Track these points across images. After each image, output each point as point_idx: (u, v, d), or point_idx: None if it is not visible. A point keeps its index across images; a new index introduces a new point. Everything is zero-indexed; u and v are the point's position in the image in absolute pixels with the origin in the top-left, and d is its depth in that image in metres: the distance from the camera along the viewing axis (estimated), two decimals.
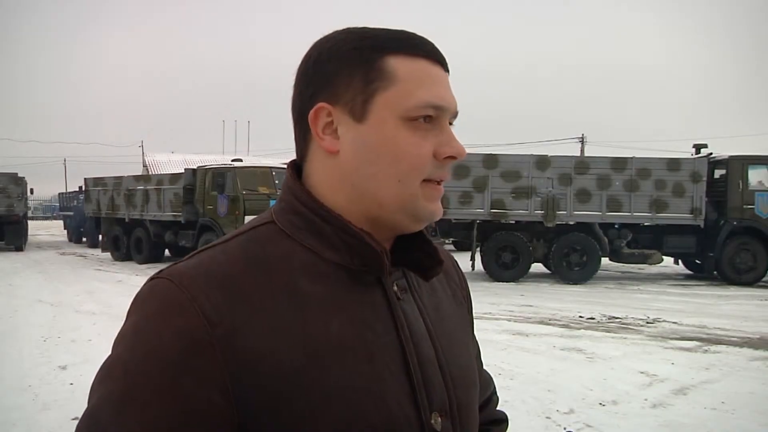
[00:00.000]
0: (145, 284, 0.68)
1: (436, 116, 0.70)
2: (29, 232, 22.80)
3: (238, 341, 0.61)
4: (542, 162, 12.25)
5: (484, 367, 0.97)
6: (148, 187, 15.69)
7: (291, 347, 0.63)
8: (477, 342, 0.95)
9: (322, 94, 0.70)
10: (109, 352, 0.66)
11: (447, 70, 0.73)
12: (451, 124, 0.73)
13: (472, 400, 0.78)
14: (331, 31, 0.74)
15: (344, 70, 0.69)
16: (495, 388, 1.00)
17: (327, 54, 0.71)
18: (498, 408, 0.99)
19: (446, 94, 0.71)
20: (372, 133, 0.68)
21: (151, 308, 0.64)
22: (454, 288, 0.87)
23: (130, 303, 0.67)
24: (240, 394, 0.61)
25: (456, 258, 0.95)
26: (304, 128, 0.72)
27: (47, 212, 55.09)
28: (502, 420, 0.98)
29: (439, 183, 0.72)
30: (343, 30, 0.72)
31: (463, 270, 0.95)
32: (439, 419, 0.70)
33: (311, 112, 0.70)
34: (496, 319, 8.14)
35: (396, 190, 0.69)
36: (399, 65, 0.69)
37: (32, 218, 34.91)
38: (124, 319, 0.67)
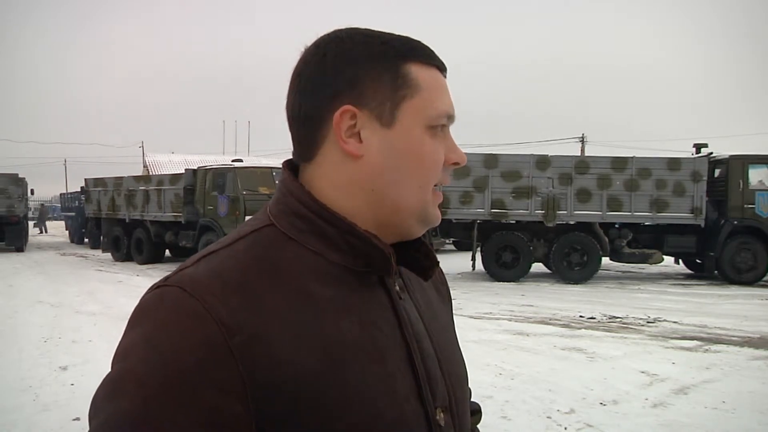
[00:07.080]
0: (149, 293, 0.64)
1: (447, 124, 0.73)
2: (29, 233, 22.81)
3: (257, 348, 0.60)
4: (542, 162, 12.25)
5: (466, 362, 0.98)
6: (149, 188, 15.68)
7: (310, 351, 0.62)
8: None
9: (346, 96, 0.68)
10: (110, 368, 0.62)
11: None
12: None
13: (465, 395, 0.80)
14: (332, 31, 0.72)
15: (371, 74, 0.69)
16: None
17: (347, 55, 0.69)
18: (475, 401, 1.00)
19: (453, 103, 0.74)
20: (399, 140, 0.69)
21: (162, 318, 0.60)
22: (438, 285, 0.88)
23: (132, 313, 0.64)
24: (260, 402, 0.59)
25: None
26: (313, 129, 0.70)
27: (47, 213, 54.99)
28: (476, 411, 0.99)
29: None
30: (352, 31, 0.72)
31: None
32: (442, 415, 0.72)
33: (337, 114, 0.68)
34: (497, 318, 8.15)
35: (417, 196, 0.71)
36: (420, 73, 0.70)
37: (32, 219, 34.90)
38: (125, 331, 0.63)
